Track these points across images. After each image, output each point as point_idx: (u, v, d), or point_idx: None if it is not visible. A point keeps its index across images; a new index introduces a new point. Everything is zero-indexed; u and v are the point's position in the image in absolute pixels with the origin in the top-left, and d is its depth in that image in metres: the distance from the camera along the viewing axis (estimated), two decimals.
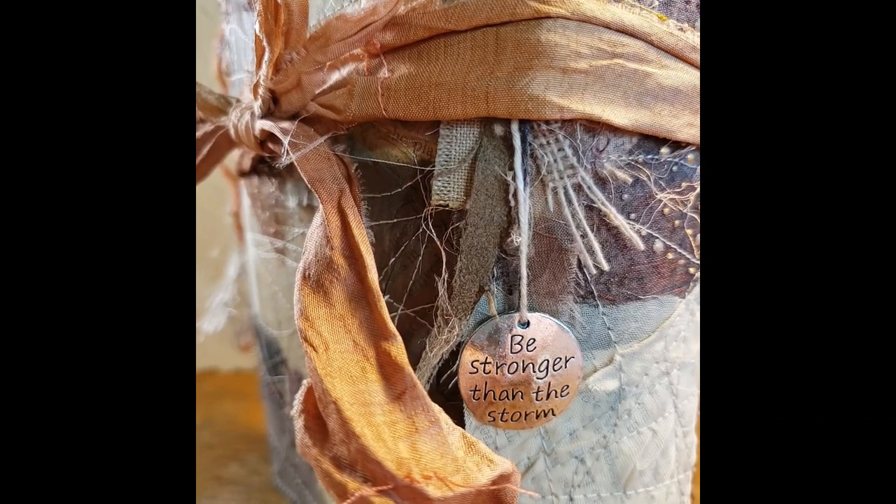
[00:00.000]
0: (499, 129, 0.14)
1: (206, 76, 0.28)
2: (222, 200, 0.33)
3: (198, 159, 0.19)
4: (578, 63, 0.13)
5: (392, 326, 0.12)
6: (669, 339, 0.16)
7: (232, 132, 0.18)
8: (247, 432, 0.36)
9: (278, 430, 0.27)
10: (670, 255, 0.15)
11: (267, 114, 0.16)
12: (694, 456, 0.18)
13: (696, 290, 0.16)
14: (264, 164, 0.21)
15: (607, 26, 0.13)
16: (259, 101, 0.16)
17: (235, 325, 0.34)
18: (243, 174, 0.23)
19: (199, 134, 0.19)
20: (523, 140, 0.13)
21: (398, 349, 0.12)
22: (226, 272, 0.34)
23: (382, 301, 0.13)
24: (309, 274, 0.13)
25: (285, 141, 0.14)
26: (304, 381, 0.12)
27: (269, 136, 0.16)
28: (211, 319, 0.33)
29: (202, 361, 0.46)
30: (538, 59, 0.13)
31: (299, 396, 0.12)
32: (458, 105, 0.13)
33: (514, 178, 0.13)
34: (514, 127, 0.13)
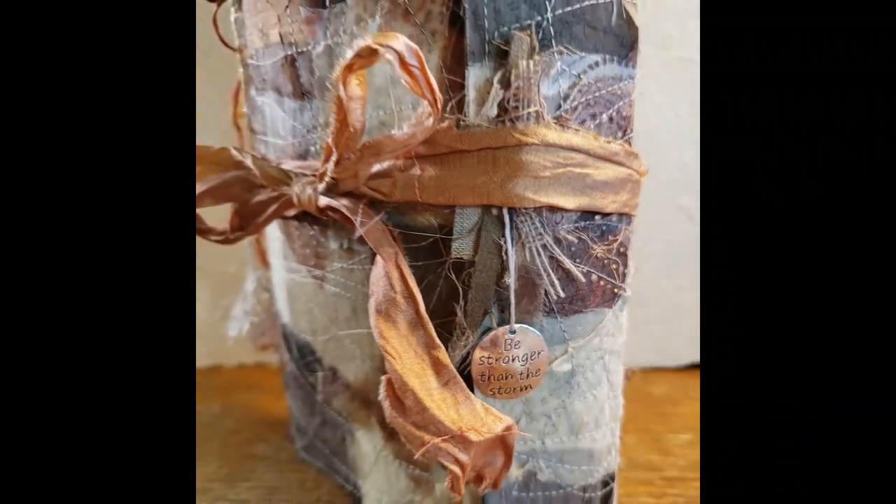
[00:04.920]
0: (495, 212, 0.21)
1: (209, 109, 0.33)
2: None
3: (261, 218, 0.26)
4: (545, 172, 0.20)
5: (438, 340, 0.20)
6: (602, 335, 0.24)
7: (295, 199, 0.24)
8: (264, 418, 0.42)
9: (307, 414, 0.34)
10: (602, 283, 0.23)
11: (327, 191, 0.23)
12: (621, 410, 0.26)
13: (620, 302, 0.24)
14: (307, 215, 0.27)
15: (562, 147, 0.21)
16: (324, 184, 0.23)
17: (254, 330, 0.40)
18: (284, 217, 0.29)
19: (262, 198, 0.26)
20: (511, 219, 0.21)
21: (443, 354, 0.20)
22: (244, 286, 0.40)
23: (430, 325, 0.20)
24: (381, 309, 0.20)
25: (357, 220, 0.21)
26: (383, 378, 0.20)
27: (328, 206, 0.23)
28: (234, 325, 0.39)
29: (207, 360, 0.51)
30: (520, 170, 0.20)
31: (382, 388, 0.20)
32: (469, 197, 0.21)
33: (505, 242, 0.21)
34: (505, 211, 0.21)
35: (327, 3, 0.23)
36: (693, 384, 0.44)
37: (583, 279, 0.22)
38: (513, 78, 0.20)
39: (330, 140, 0.21)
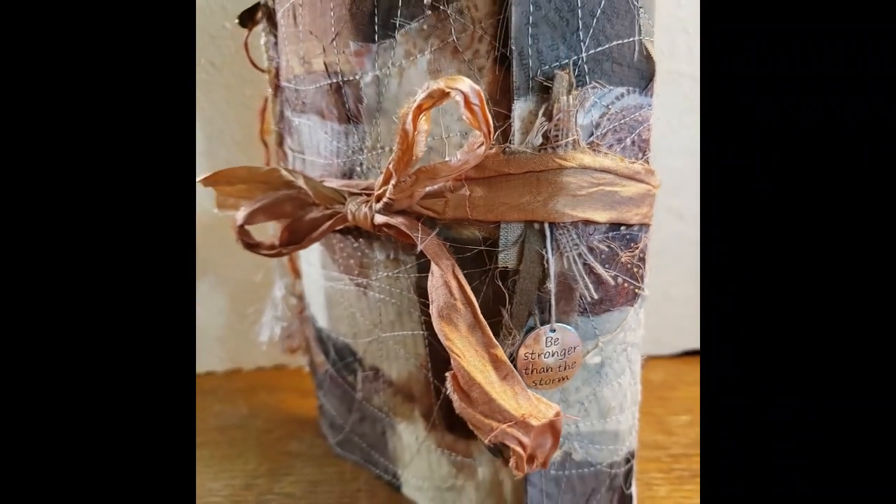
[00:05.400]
0: (537, 226, 0.24)
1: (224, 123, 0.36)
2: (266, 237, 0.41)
3: (315, 233, 0.28)
4: (581, 191, 0.23)
5: (495, 340, 0.23)
6: (626, 330, 0.27)
7: (350, 217, 0.27)
8: (291, 417, 0.45)
9: (345, 411, 0.37)
10: (626, 285, 0.26)
11: (382, 209, 0.26)
12: (639, 396, 0.30)
13: (640, 300, 0.27)
14: (352, 229, 0.30)
15: (595, 169, 0.24)
16: (381, 204, 0.25)
17: (283, 333, 0.42)
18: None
19: (316, 215, 0.28)
20: (551, 232, 0.24)
21: (500, 352, 0.23)
22: (272, 293, 0.42)
23: (487, 327, 0.23)
24: (443, 314, 0.23)
25: (417, 236, 0.24)
26: (448, 374, 0.23)
27: (385, 223, 0.26)
28: (265, 330, 0.41)
29: (226, 364, 0.53)
30: (560, 190, 0.23)
31: (449, 383, 0.22)
32: (515, 214, 0.24)
33: (546, 252, 0.24)
34: (546, 225, 0.24)
35: (377, 38, 0.26)
36: (687, 370, 0.48)
37: (611, 282, 0.25)
38: (555, 111, 0.22)
39: (391, 166, 0.24)
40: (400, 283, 0.29)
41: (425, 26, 0.24)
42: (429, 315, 0.28)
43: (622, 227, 0.25)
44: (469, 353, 0.22)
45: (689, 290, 0.50)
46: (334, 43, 0.27)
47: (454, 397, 0.22)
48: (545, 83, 0.23)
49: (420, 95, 0.21)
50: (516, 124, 0.23)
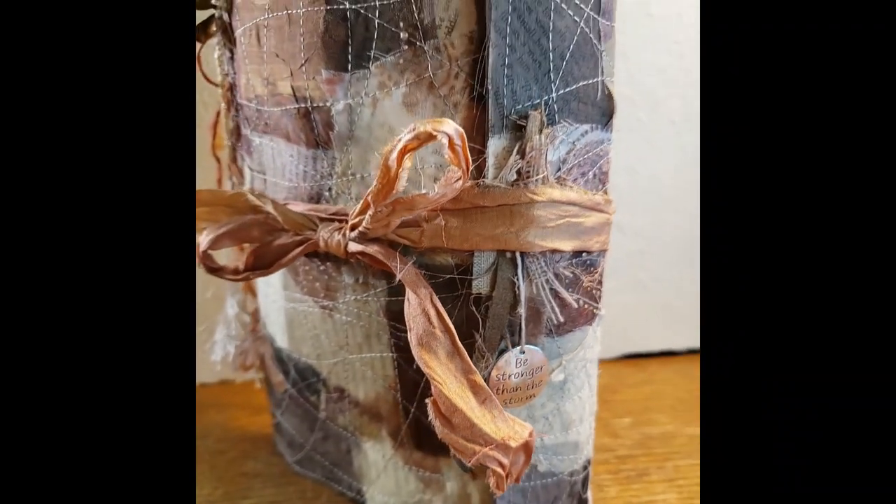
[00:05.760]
0: (508, 254, 0.25)
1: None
2: (218, 257, 0.40)
3: (285, 259, 0.28)
4: (550, 223, 0.25)
5: (473, 366, 0.24)
6: (586, 348, 0.29)
7: (322, 244, 0.27)
8: (244, 435, 0.44)
9: (306, 430, 0.37)
10: (586, 306, 0.28)
11: (356, 238, 0.26)
12: (595, 406, 0.32)
13: (598, 319, 0.30)
14: (318, 252, 0.30)
15: (563, 202, 0.25)
16: (356, 232, 0.26)
17: (236, 351, 0.41)
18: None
19: (285, 241, 0.28)
20: (522, 260, 0.25)
21: (478, 377, 0.24)
22: (224, 311, 0.41)
23: (465, 353, 0.24)
24: (422, 342, 0.24)
25: (395, 266, 0.24)
26: (428, 400, 0.23)
27: (360, 252, 0.26)
28: (218, 349, 0.40)
29: None
30: (532, 222, 0.25)
31: (430, 409, 0.23)
32: (489, 244, 0.25)
33: (517, 279, 0.25)
34: (518, 254, 0.25)
35: (350, 68, 0.26)
36: (627, 373, 0.51)
37: (574, 305, 0.27)
38: (528, 149, 0.24)
39: (370, 197, 0.24)
40: (369, 307, 0.29)
41: (401, 60, 0.25)
42: (398, 338, 0.29)
43: (584, 254, 0.27)
44: (449, 380, 0.23)
45: (628, 297, 0.54)
46: (303, 68, 0.27)
47: (436, 423, 0.23)
48: (519, 122, 0.24)
49: (406, 136, 0.21)
50: (490, 160, 0.24)
